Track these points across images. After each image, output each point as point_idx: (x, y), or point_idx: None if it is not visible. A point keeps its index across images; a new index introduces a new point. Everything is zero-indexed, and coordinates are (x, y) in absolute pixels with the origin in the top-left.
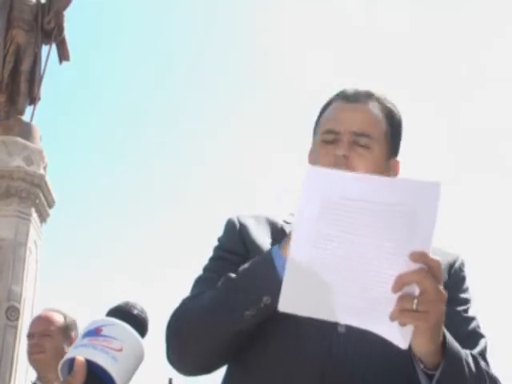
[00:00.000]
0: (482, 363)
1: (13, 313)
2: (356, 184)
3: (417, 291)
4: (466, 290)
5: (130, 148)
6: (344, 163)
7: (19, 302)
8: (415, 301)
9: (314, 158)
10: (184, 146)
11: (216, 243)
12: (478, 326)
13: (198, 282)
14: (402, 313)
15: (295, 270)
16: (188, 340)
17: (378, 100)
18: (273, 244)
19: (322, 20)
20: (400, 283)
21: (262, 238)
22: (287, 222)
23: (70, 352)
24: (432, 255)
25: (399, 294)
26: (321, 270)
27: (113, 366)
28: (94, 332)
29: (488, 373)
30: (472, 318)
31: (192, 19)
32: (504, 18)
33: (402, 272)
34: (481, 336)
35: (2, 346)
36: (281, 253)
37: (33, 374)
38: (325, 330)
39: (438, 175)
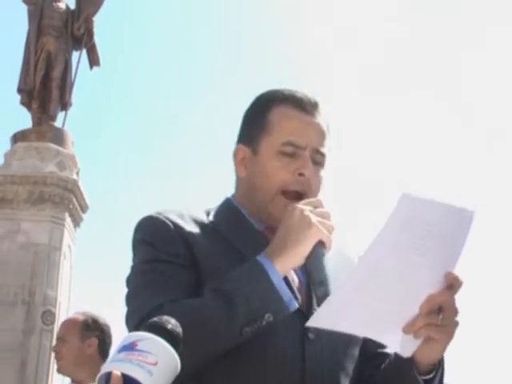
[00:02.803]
0: None
1: (48, 317)
2: (433, 209)
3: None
4: None
5: (162, 151)
6: (307, 183)
7: (54, 307)
8: (440, 316)
9: (262, 166)
10: (219, 148)
11: (143, 245)
12: None
13: (149, 285)
14: (427, 327)
15: (349, 289)
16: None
17: (324, 110)
18: (212, 245)
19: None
20: (433, 303)
21: (203, 241)
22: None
23: (106, 366)
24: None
25: (412, 308)
26: (367, 289)
27: (148, 380)
28: (130, 346)
29: None
30: None
31: (220, 23)
32: (503, 19)
33: (431, 292)
34: None
35: (38, 349)
36: (274, 268)
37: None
38: (296, 338)
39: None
